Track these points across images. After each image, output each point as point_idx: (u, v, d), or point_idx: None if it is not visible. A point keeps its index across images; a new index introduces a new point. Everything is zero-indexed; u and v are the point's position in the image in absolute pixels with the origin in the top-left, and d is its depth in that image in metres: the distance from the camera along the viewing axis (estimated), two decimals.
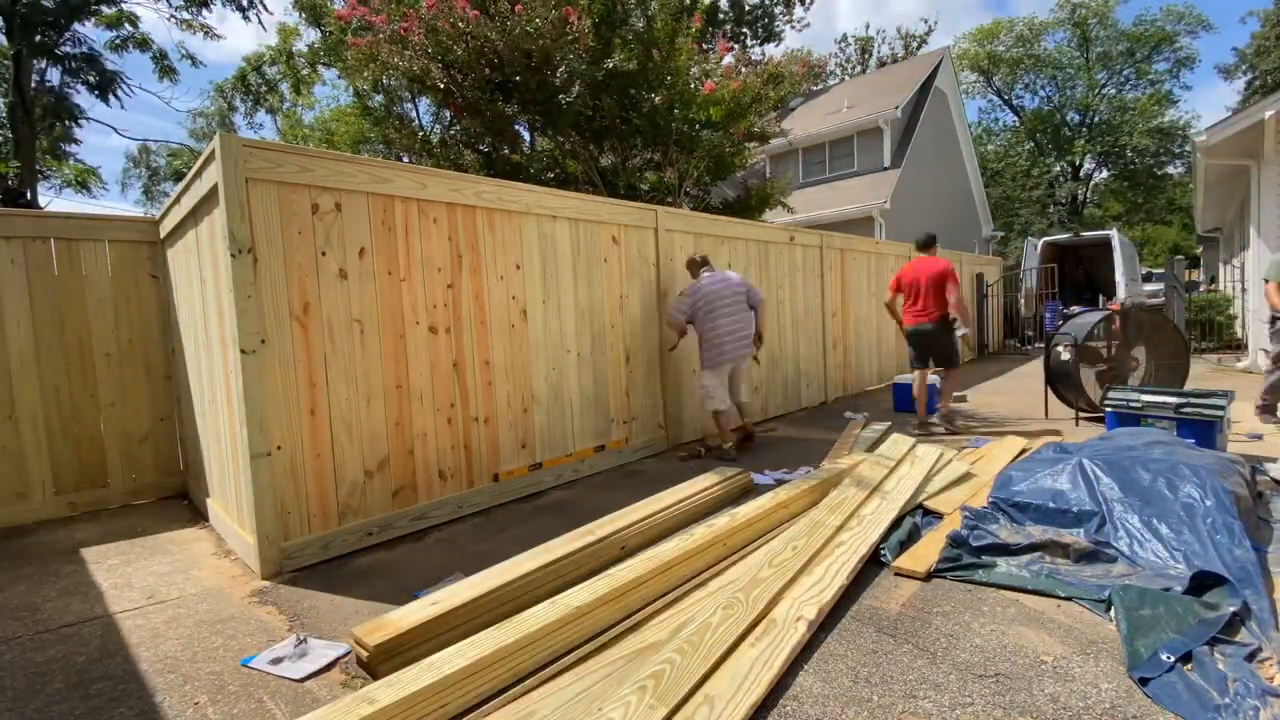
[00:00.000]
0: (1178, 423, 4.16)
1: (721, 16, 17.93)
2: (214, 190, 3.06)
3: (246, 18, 16.94)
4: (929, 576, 2.68)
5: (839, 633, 2.29)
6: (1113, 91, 32.36)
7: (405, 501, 3.61)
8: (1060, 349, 5.72)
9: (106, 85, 15.00)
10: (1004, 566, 2.70)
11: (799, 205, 13.76)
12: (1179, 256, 11.37)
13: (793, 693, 1.95)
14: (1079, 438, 4.37)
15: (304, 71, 19.99)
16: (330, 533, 3.27)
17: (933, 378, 6.53)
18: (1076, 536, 2.80)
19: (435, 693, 1.86)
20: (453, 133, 10.70)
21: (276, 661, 2.24)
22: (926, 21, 42.52)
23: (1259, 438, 4.72)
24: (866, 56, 31.15)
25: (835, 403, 7.55)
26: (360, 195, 3.42)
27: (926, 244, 5.81)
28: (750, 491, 3.94)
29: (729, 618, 2.23)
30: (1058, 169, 33.19)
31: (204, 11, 16.06)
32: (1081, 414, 5.65)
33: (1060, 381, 5.86)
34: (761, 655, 2.05)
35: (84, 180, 19.85)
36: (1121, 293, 12.93)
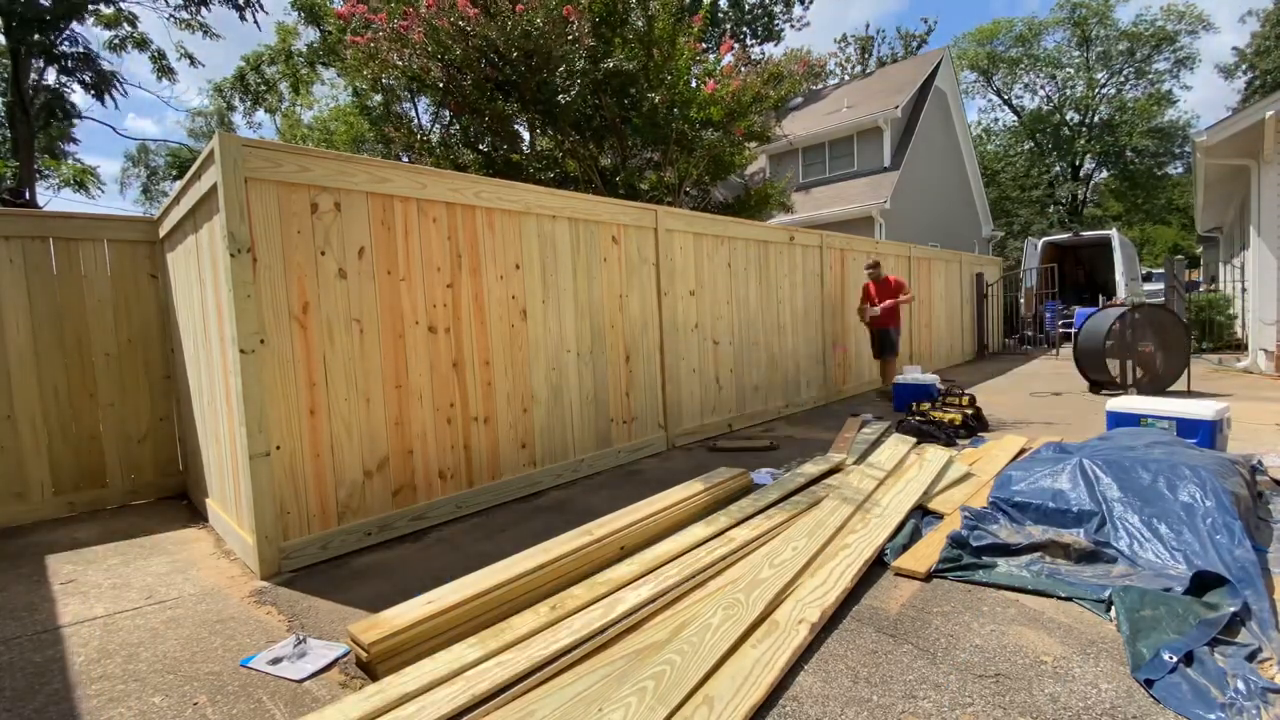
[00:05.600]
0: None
1: (721, 15, 17.94)
2: (213, 190, 3.06)
3: (243, 17, 16.92)
4: (929, 577, 2.68)
5: (839, 633, 2.29)
6: (1112, 91, 32.35)
7: (405, 501, 3.61)
8: (1092, 337, 7.19)
9: (102, 84, 14.99)
10: (1004, 566, 2.70)
11: (799, 205, 13.76)
12: (1179, 256, 11.35)
13: (792, 693, 1.95)
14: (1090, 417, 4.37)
15: (303, 71, 19.97)
16: (329, 533, 3.27)
17: (933, 377, 6.65)
18: (1076, 536, 2.80)
19: None
20: (452, 132, 10.69)
21: (276, 662, 2.24)
22: (927, 21, 42.50)
23: None
24: (866, 56, 31.16)
25: (835, 402, 7.55)
26: (360, 195, 3.41)
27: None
28: (749, 490, 3.94)
29: (730, 619, 2.23)
30: (1057, 169, 33.20)
31: (203, 10, 16.05)
32: (1103, 389, 7.11)
33: (1086, 362, 7.36)
34: (763, 657, 2.04)
35: (82, 180, 19.83)
36: (1121, 292, 12.94)
